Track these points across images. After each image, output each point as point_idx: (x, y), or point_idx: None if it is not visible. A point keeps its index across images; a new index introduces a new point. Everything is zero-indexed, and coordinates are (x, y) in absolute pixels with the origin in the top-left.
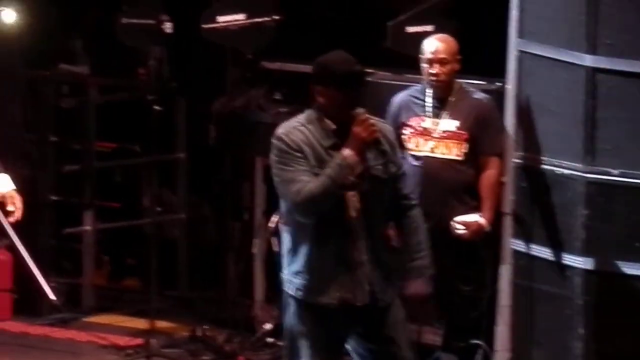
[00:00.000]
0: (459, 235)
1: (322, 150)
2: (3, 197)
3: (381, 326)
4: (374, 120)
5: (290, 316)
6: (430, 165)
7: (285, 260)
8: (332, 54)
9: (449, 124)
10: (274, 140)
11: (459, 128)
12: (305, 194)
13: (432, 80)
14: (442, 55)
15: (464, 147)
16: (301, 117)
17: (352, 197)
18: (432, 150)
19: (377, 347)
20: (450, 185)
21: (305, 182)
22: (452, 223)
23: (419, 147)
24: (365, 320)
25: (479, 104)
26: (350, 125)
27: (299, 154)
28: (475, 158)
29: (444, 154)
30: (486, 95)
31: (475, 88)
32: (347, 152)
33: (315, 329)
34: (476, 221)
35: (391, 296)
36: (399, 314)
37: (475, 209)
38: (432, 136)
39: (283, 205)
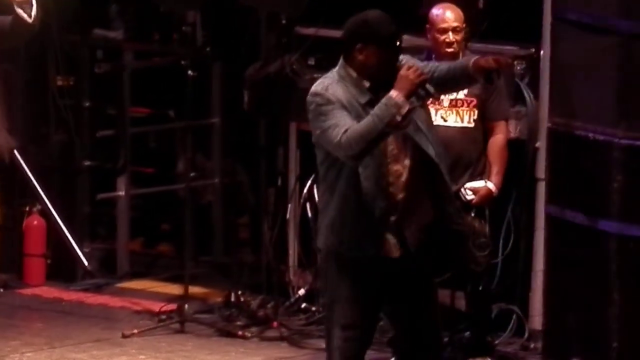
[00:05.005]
0: (469, 202)
1: (359, 106)
2: None
3: (412, 287)
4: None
5: (328, 271)
6: (443, 135)
7: (320, 217)
8: (373, 13)
9: None
10: (310, 98)
11: (466, 95)
12: (351, 133)
13: (448, 49)
14: (455, 24)
15: (474, 114)
16: (332, 75)
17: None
18: (444, 119)
19: (406, 307)
20: (467, 153)
21: (350, 124)
22: (461, 190)
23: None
24: (398, 277)
25: None
26: (385, 84)
27: (339, 106)
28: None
29: (456, 122)
30: None
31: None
32: (394, 92)
33: (352, 282)
34: (485, 186)
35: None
36: (430, 278)
37: (482, 174)
38: (442, 105)
39: (321, 157)
